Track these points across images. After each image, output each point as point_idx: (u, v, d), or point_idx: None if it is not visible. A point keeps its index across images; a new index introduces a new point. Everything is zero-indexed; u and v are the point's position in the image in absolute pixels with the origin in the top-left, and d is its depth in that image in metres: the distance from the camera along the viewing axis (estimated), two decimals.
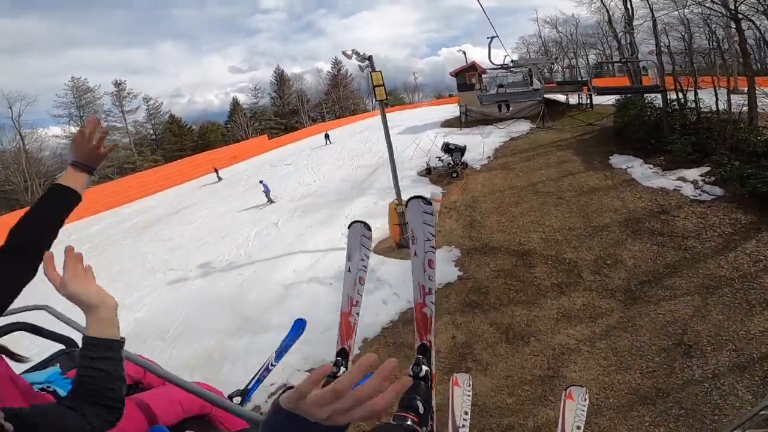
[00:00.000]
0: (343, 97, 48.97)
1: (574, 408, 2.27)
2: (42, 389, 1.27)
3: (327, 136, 24.82)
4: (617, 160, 8.99)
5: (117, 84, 39.13)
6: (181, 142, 40.85)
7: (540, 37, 35.12)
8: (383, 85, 6.27)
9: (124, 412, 0.83)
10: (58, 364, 1.63)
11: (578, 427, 2.12)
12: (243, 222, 10.76)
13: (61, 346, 1.83)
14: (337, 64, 48.25)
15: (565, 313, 4.67)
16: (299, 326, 3.21)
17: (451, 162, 10.34)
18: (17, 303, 0.94)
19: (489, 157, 11.68)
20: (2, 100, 33.54)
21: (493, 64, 17.40)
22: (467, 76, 20.07)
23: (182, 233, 12.23)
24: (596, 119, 13.26)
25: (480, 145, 12.81)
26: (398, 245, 6.91)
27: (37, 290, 1.13)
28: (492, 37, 15.80)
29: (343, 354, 1.78)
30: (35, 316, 1.69)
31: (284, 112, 47.12)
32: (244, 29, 65.32)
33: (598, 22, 24.61)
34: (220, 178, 21.80)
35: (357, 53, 5.93)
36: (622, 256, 5.53)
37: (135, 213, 19.33)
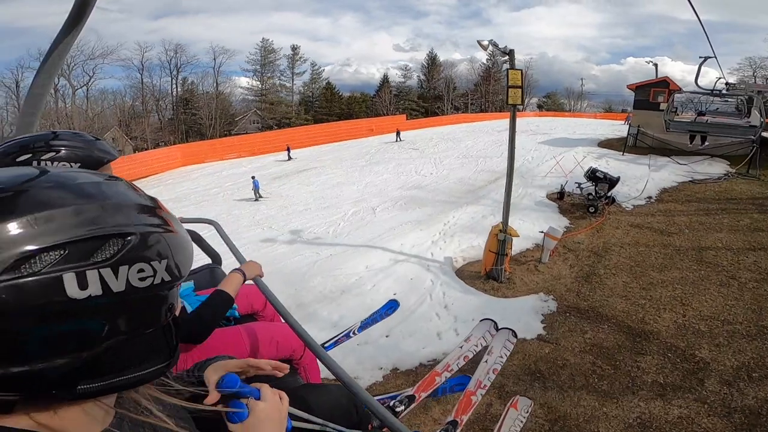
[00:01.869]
0: (492, 92, 46.76)
1: (515, 417, 2.53)
2: None
3: (398, 134, 23.82)
4: None
5: (293, 48, 45.79)
6: (330, 107, 45.43)
7: None
8: (522, 87, 5.23)
9: (233, 334, 1.45)
10: (193, 281, 1.83)
11: None
12: (348, 198, 10.99)
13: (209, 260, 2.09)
14: (493, 56, 46.09)
15: (646, 423, 3.28)
16: (391, 306, 3.37)
17: (592, 193, 8.48)
18: (192, 213, 0.87)
19: (650, 197, 9.30)
20: (209, 52, 42.36)
21: (700, 88, 13.80)
22: (652, 92, 16.49)
23: (298, 193, 13.29)
24: None
25: (643, 179, 10.32)
26: (487, 275, 5.96)
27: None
28: (706, 57, 12.40)
29: (454, 424, 2.02)
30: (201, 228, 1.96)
31: (428, 96, 47.72)
32: (413, 10, 68.36)
33: None
34: (290, 158, 22.52)
35: (496, 45, 5.02)
36: None
37: (274, 164, 21.95)
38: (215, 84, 44.33)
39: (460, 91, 48.90)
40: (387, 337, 4.49)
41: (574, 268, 6.05)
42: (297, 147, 27.12)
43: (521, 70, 5.24)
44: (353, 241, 7.61)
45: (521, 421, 2.58)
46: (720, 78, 14.22)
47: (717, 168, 11.74)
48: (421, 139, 22.25)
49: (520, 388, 3.63)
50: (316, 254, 7.22)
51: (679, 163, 12.42)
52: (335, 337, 3.09)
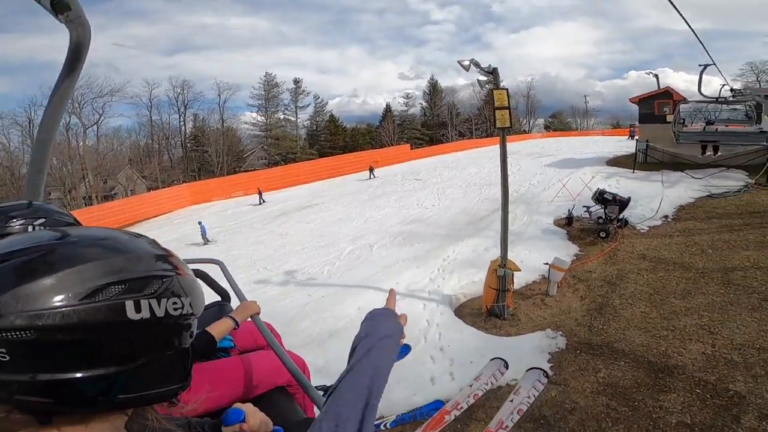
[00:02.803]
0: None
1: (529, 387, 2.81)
2: None
3: (371, 170, 23.87)
4: None
5: (296, 81, 47.06)
6: (333, 140, 46.08)
7: None
8: (509, 107, 5.00)
9: (231, 363, 1.62)
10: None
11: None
12: (346, 235, 10.74)
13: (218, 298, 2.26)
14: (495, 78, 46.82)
15: None
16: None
17: (603, 217, 8.02)
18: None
19: (666, 217, 8.79)
20: (215, 87, 43.83)
21: (705, 96, 13.58)
22: (656, 104, 16.24)
23: (296, 232, 13.10)
24: None
25: (657, 197, 9.82)
26: (488, 312, 5.51)
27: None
28: (706, 65, 12.27)
29: None
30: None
31: (432, 124, 48.31)
32: (415, 39, 70.62)
33: None
34: (262, 201, 22.30)
35: (477, 64, 4.83)
36: None
37: (278, 201, 22.03)
38: (221, 120, 45.65)
39: (464, 116, 49.44)
40: None
41: (586, 299, 5.55)
42: (300, 183, 27.38)
43: (506, 90, 5.04)
44: (347, 281, 7.26)
45: (535, 393, 2.67)
46: (724, 85, 13.92)
47: (735, 179, 11.18)
48: (426, 169, 22.18)
49: None
50: (308, 296, 6.88)
51: (693, 177, 11.91)
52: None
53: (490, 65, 5.04)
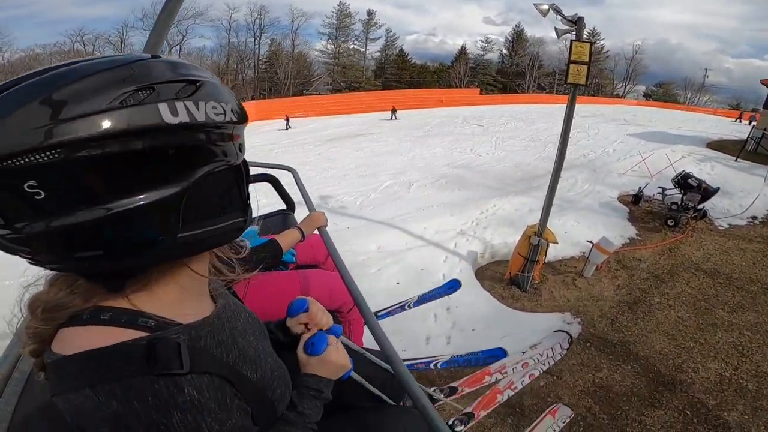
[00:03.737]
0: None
1: (550, 425, 2.49)
2: None
3: (394, 111, 22.30)
4: None
5: (369, 13, 44.98)
6: (400, 74, 44.33)
7: None
8: (588, 63, 4.18)
9: (288, 277, 1.63)
10: (258, 227, 1.91)
11: None
12: (390, 168, 10.46)
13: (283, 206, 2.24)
14: (593, 35, 41.00)
15: None
16: (452, 285, 3.43)
17: (678, 203, 6.99)
18: (272, 159, 1.07)
19: (754, 218, 7.54)
20: (289, 14, 43.43)
21: None
22: None
23: (344, 157, 13.05)
24: None
25: (753, 193, 8.39)
26: (510, 280, 5.18)
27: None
28: None
29: (470, 416, 2.09)
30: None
31: (509, 72, 44.23)
32: None
33: None
34: (288, 127, 22.22)
35: (558, 10, 3.95)
36: None
37: (335, 125, 21.93)
38: (292, 45, 45.82)
39: (547, 70, 44.63)
40: None
41: (622, 290, 5.02)
42: (362, 111, 26.86)
43: (590, 43, 4.17)
44: (376, 216, 7.14)
45: (554, 431, 2.49)
46: None
47: None
48: (491, 116, 20.62)
49: (489, 420, 3.00)
50: (334, 224, 6.84)
51: None
52: (390, 307, 3.02)
53: (575, 14, 4.12)
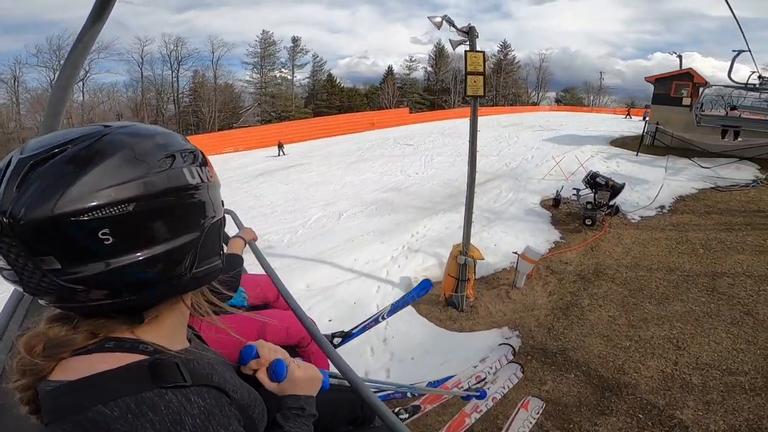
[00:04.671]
0: (503, 85, 45.43)
1: (525, 417, 2.70)
2: None
3: (281, 147, 22.62)
4: None
5: (294, 40, 45.39)
6: (330, 100, 44.64)
7: None
8: (484, 73, 4.27)
9: (243, 319, 1.51)
10: None
11: None
12: (319, 200, 10.16)
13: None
14: (505, 47, 44.87)
15: None
16: (424, 287, 3.40)
17: (592, 202, 7.42)
18: None
19: (662, 207, 8.23)
20: (208, 44, 42.41)
21: (734, 82, 13.07)
22: (674, 85, 15.27)
23: (272, 193, 12.53)
24: None
25: (657, 185, 9.22)
26: (446, 301, 5.03)
27: None
28: (740, 51, 11.77)
29: None
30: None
31: (435, 89, 46.55)
32: (430, 3, 67.17)
33: None
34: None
35: (450, 21, 4.04)
36: None
37: (263, 159, 21.24)
38: (214, 77, 44.41)
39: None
40: None
41: (554, 296, 5.09)
42: (293, 141, 26.42)
43: (482, 53, 4.28)
44: (305, 252, 6.76)
45: (530, 422, 2.67)
46: (754, 72, 13.21)
47: (745, 173, 10.55)
48: (420, 134, 21.26)
49: None
50: (259, 269, 6.38)
51: (701, 167, 11.26)
52: (363, 322, 3.10)
53: (469, 24, 4.24)
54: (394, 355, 4.18)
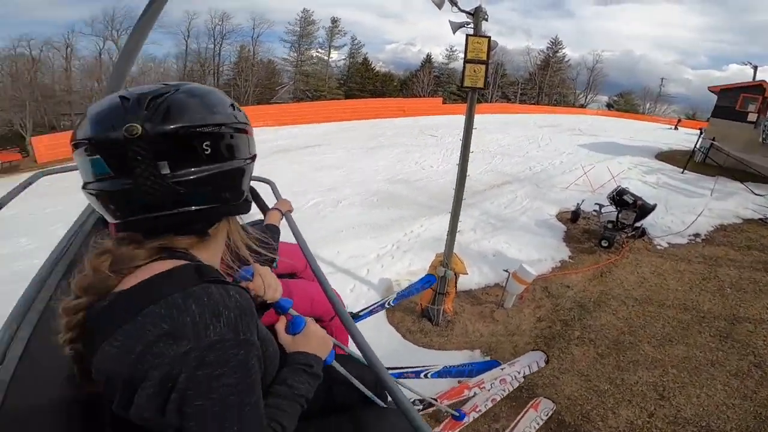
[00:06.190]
0: (549, 84, 43.31)
1: (533, 417, 2.67)
2: None
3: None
4: None
5: (333, 21, 44.88)
6: (363, 83, 44.18)
7: None
8: (487, 62, 3.78)
9: None
10: None
11: None
12: (323, 185, 9.91)
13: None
14: (555, 44, 42.55)
15: None
16: (428, 280, 3.67)
17: (612, 222, 6.76)
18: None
19: (696, 235, 7.44)
20: (249, 21, 42.99)
21: None
22: (741, 98, 13.89)
23: (282, 173, 12.33)
24: None
25: (697, 209, 8.33)
26: (422, 313, 4.68)
27: None
28: None
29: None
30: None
31: None
32: None
33: None
34: None
35: (453, 1, 3.53)
36: None
37: (286, 136, 21.21)
38: (253, 53, 45.00)
39: (511, 79, 45.84)
40: None
41: (543, 322, 4.62)
42: (320, 121, 26.25)
43: (488, 38, 3.77)
44: (287, 238, 6.50)
45: (538, 423, 2.66)
46: None
47: None
48: (448, 126, 20.51)
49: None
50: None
51: (753, 193, 10.14)
52: (371, 306, 3.21)
53: (480, 6, 3.72)
54: None
